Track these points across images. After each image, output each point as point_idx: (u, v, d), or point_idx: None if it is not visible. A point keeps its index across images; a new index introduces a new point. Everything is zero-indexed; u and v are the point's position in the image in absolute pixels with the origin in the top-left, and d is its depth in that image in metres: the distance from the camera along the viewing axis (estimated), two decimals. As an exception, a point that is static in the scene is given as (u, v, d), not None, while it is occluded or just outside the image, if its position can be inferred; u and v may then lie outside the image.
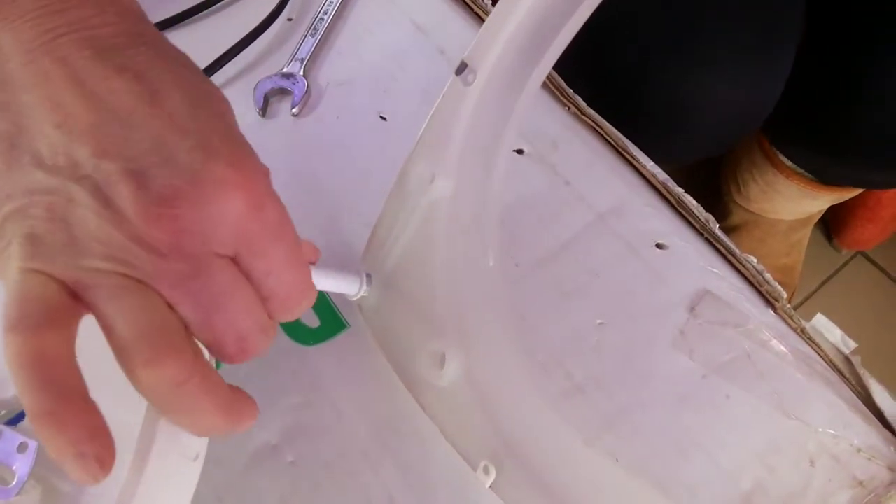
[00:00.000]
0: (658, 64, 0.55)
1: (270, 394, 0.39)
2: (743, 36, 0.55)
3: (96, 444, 0.21)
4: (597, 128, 0.45)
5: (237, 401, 0.25)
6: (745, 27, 0.55)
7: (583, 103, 0.46)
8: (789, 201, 0.86)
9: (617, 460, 0.36)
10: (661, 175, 0.43)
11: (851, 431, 0.36)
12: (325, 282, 0.34)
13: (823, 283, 1.05)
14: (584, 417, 0.37)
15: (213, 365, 0.26)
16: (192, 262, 0.23)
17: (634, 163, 0.44)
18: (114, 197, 0.22)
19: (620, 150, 0.44)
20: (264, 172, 0.25)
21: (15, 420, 0.35)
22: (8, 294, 0.22)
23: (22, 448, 0.32)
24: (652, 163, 0.43)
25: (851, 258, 1.07)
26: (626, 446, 0.36)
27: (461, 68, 0.33)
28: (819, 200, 0.85)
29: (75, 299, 0.22)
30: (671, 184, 0.43)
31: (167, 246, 0.22)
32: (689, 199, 0.42)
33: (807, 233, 0.98)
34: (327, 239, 0.43)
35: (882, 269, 1.06)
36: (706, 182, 0.97)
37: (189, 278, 0.23)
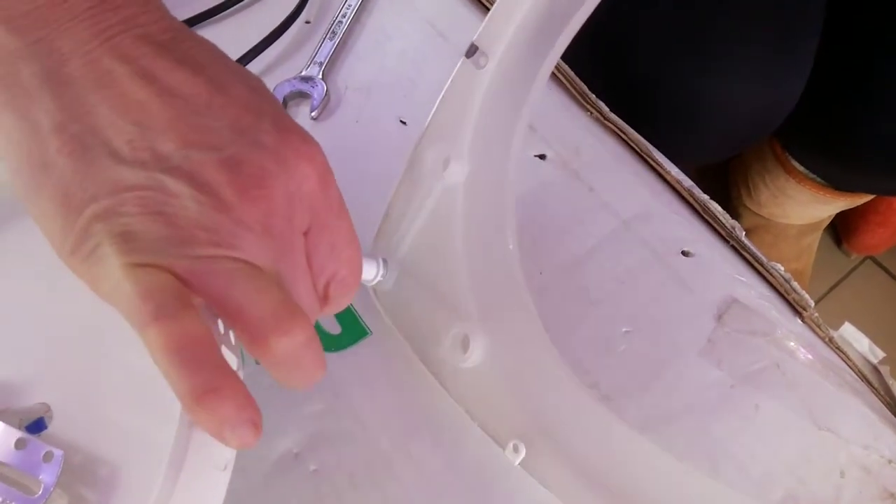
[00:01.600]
0: (675, 63, 0.55)
1: (292, 401, 0.39)
2: (762, 36, 0.55)
3: (252, 410, 0.22)
4: (620, 133, 0.45)
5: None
6: (764, 27, 0.55)
7: (605, 108, 0.46)
8: (800, 206, 0.85)
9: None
10: (686, 181, 0.43)
11: (882, 443, 0.36)
12: None
13: (833, 287, 1.05)
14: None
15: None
16: (282, 240, 0.24)
17: (659, 169, 0.43)
18: (211, 183, 0.22)
19: (644, 155, 0.44)
20: (321, 148, 0.26)
21: (35, 428, 0.34)
22: (125, 291, 0.22)
23: (48, 457, 0.31)
24: (676, 169, 0.43)
25: (861, 263, 1.07)
26: (655, 457, 0.36)
27: (471, 50, 0.33)
28: (831, 206, 0.84)
29: (185, 284, 0.22)
30: (696, 190, 0.42)
31: (262, 225, 0.23)
32: (715, 206, 0.42)
33: (817, 237, 0.98)
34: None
35: (892, 275, 1.05)
36: (716, 186, 0.97)
37: (280, 255, 0.24)
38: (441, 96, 0.34)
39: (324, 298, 0.27)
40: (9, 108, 0.23)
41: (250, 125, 0.24)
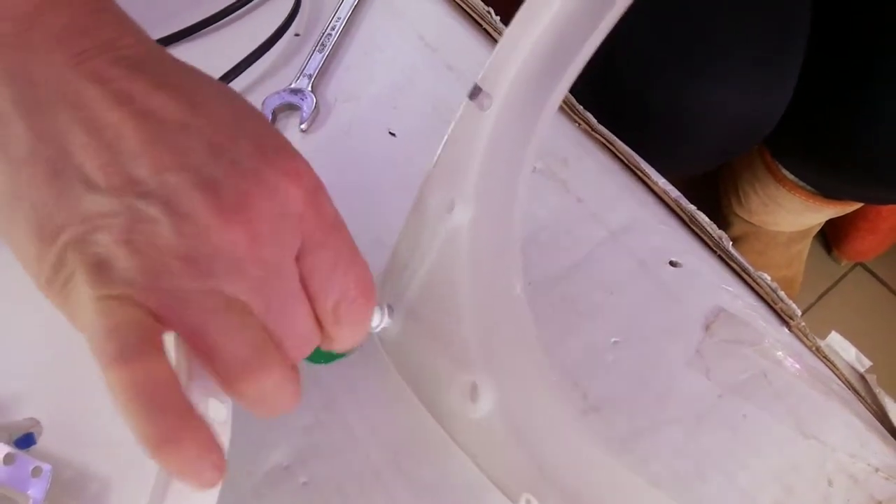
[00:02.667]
0: (663, 74, 0.56)
1: (282, 414, 0.39)
2: (750, 46, 0.55)
3: (214, 454, 0.21)
4: (607, 144, 0.45)
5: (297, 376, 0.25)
6: (751, 37, 0.56)
7: (593, 120, 0.46)
8: (790, 214, 0.86)
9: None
10: (673, 192, 0.43)
11: (869, 451, 0.36)
12: None
13: (823, 294, 1.06)
14: (601, 438, 0.37)
15: None
16: (266, 266, 0.23)
17: (646, 180, 0.44)
18: (187, 209, 0.22)
19: (632, 167, 0.44)
20: (309, 165, 0.25)
21: (24, 443, 0.34)
22: (93, 326, 0.21)
23: (36, 472, 0.32)
24: (664, 180, 0.43)
25: (851, 269, 1.07)
26: (644, 467, 0.36)
27: (475, 92, 0.32)
28: (820, 213, 0.85)
29: (158, 320, 0.22)
30: (683, 201, 0.43)
31: (244, 252, 0.22)
32: (702, 217, 0.42)
33: (807, 244, 0.98)
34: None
35: (881, 281, 1.06)
36: (705, 194, 0.97)
37: (265, 283, 0.23)
38: (445, 138, 0.34)
39: (335, 323, 0.26)
40: None
41: (229, 145, 0.23)
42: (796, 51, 0.58)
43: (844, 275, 1.07)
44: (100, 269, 0.21)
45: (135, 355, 0.20)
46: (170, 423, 0.20)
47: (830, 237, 1.05)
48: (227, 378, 0.22)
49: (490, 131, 0.32)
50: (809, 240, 0.98)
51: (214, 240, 0.22)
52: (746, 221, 0.93)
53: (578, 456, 0.32)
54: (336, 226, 0.26)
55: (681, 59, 0.55)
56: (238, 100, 0.25)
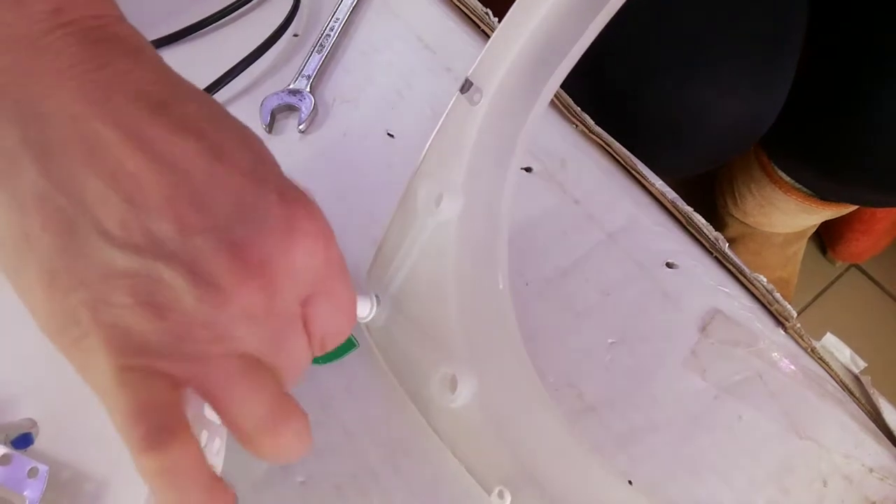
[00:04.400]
0: (657, 77, 0.56)
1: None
2: (744, 49, 0.55)
3: None
4: (605, 146, 0.45)
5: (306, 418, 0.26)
6: (745, 40, 0.56)
7: (591, 121, 0.46)
8: (786, 215, 0.86)
9: (630, 482, 0.36)
10: (670, 194, 0.43)
11: (863, 451, 0.36)
12: None
13: (818, 295, 1.06)
14: (596, 438, 0.37)
15: None
16: (282, 320, 0.23)
17: (643, 181, 0.44)
18: (211, 274, 0.21)
19: (629, 168, 0.44)
20: (321, 211, 0.24)
21: (21, 443, 0.34)
22: (116, 401, 0.20)
23: (33, 473, 0.32)
24: (661, 181, 0.44)
25: (846, 270, 1.08)
26: (639, 468, 0.36)
27: (466, 86, 0.33)
28: (816, 215, 0.85)
29: (179, 387, 0.21)
30: (680, 203, 0.43)
31: (262, 310, 0.22)
32: (699, 219, 0.42)
33: (802, 245, 0.99)
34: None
35: (876, 282, 1.06)
36: (701, 194, 0.98)
37: (277, 332, 0.23)
38: (435, 132, 0.34)
39: (319, 349, 0.26)
40: None
41: (253, 200, 0.22)
42: (791, 54, 0.58)
43: (839, 276, 1.07)
44: (120, 336, 0.20)
45: (167, 441, 0.20)
46: (199, 499, 0.21)
47: (826, 238, 1.06)
48: (250, 437, 0.22)
49: (480, 125, 0.33)
50: (805, 241, 0.98)
51: (237, 304, 0.21)
52: (742, 222, 0.93)
53: (553, 452, 0.33)
54: (342, 272, 0.25)
55: (674, 62, 0.55)
56: (253, 139, 0.24)
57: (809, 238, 1.00)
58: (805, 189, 0.79)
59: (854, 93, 0.61)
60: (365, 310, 0.36)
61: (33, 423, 0.34)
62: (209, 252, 0.21)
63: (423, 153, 0.35)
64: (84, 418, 0.34)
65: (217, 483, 0.22)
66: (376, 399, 0.39)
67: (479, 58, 0.32)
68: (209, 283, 0.21)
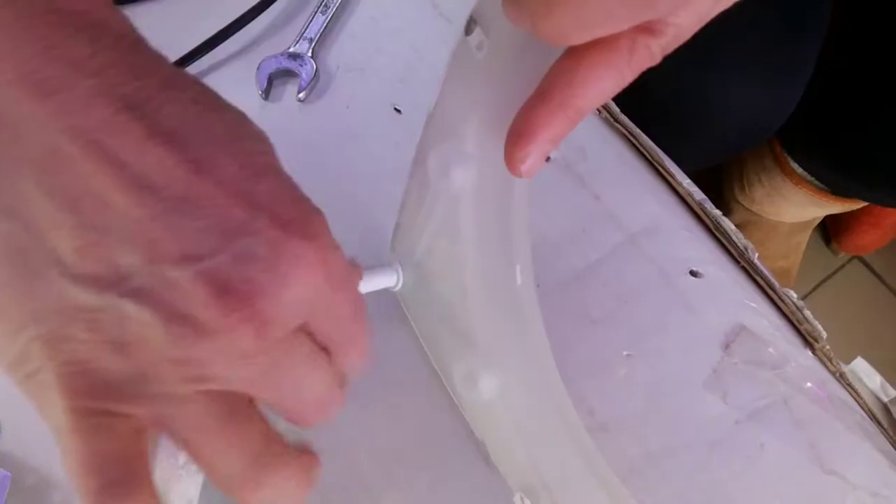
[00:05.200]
0: (673, 66, 0.52)
1: (270, 417, 0.36)
2: (760, 43, 0.53)
3: None
4: (630, 137, 0.42)
5: (306, 458, 0.23)
6: (763, 34, 0.53)
7: (616, 108, 0.43)
8: (794, 206, 0.84)
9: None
10: (698, 195, 0.40)
11: (892, 490, 0.34)
12: (366, 285, 0.33)
13: (818, 285, 1.04)
14: (607, 460, 0.34)
15: None
16: (273, 353, 0.19)
17: (669, 179, 0.41)
18: (186, 309, 0.17)
19: (655, 163, 0.41)
20: (324, 222, 0.20)
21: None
22: (69, 445, 0.18)
23: (-9, 481, 0.29)
24: (688, 180, 0.40)
25: (848, 262, 1.06)
26: (652, 495, 0.34)
27: (470, 27, 0.26)
28: (825, 208, 0.83)
29: (144, 431, 0.19)
30: (709, 205, 0.40)
31: (250, 347, 0.18)
32: (728, 224, 0.39)
33: (806, 235, 0.97)
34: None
35: (877, 275, 1.05)
36: (709, 178, 0.95)
37: (272, 369, 0.20)
38: (440, 87, 0.29)
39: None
40: None
41: (240, 224, 0.18)
42: (809, 49, 0.55)
43: (841, 266, 1.05)
44: (77, 375, 0.18)
45: (121, 499, 0.18)
46: None
47: (831, 229, 1.03)
48: (227, 489, 0.20)
49: (488, 79, 0.27)
50: (810, 231, 0.96)
51: (216, 340, 0.18)
52: (748, 209, 0.90)
53: (571, 468, 0.30)
54: (342, 285, 0.21)
55: (691, 52, 0.52)
56: (246, 139, 0.20)
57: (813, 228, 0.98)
58: (818, 182, 0.76)
59: (876, 91, 0.58)
60: (392, 280, 0.34)
61: (-6, 422, 0.31)
62: (184, 284, 0.18)
63: (430, 112, 0.30)
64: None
65: None
66: (371, 408, 0.37)
67: None
68: (183, 318, 0.18)
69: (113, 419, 0.18)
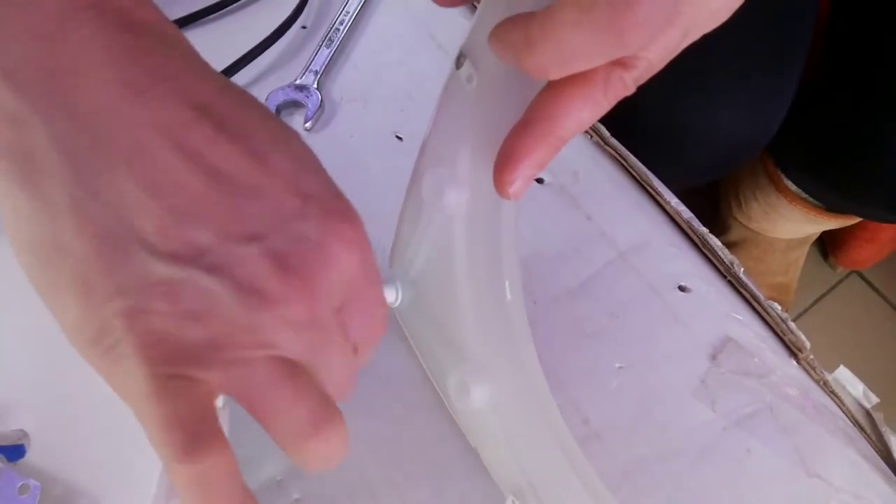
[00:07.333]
0: (657, 89, 0.54)
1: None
2: (743, 63, 0.54)
3: None
4: (620, 159, 0.44)
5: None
6: (748, 52, 0.54)
7: (606, 132, 0.45)
8: (790, 223, 0.85)
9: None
10: (685, 213, 0.42)
11: (873, 492, 0.35)
12: None
13: (817, 300, 1.05)
14: (599, 466, 0.36)
15: None
16: (321, 327, 0.22)
17: (658, 198, 0.43)
18: (254, 281, 0.20)
19: (644, 184, 0.43)
20: (359, 216, 0.24)
21: (13, 453, 0.33)
22: (149, 409, 0.20)
23: (24, 489, 0.31)
24: (676, 199, 0.42)
25: (846, 276, 1.07)
26: (643, 499, 0.36)
27: (460, 61, 0.29)
28: (821, 225, 0.84)
29: (213, 394, 0.21)
30: (696, 223, 0.42)
31: (305, 319, 0.21)
32: (714, 240, 0.41)
33: (804, 251, 0.98)
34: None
35: (876, 290, 1.06)
36: (705, 196, 0.96)
37: (322, 342, 0.22)
38: (433, 116, 0.32)
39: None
40: (17, 180, 0.20)
41: (295, 209, 0.21)
42: (792, 68, 0.57)
43: (839, 282, 1.07)
44: (156, 344, 0.20)
45: (204, 450, 0.20)
46: None
47: (828, 244, 1.05)
48: (295, 442, 0.22)
49: (478, 107, 0.29)
50: (807, 247, 0.98)
51: (279, 310, 0.21)
52: (745, 227, 0.92)
53: (560, 475, 0.32)
54: (375, 277, 0.25)
55: (674, 74, 0.54)
56: (294, 140, 0.23)
57: (811, 243, 0.99)
58: (812, 199, 0.78)
59: (868, 107, 0.59)
60: (391, 296, 0.36)
61: (24, 435, 0.33)
62: (251, 259, 0.20)
63: (424, 139, 0.33)
64: (77, 432, 0.33)
65: (248, 496, 0.22)
66: (375, 414, 0.38)
67: (470, 25, 0.28)
68: (252, 289, 0.20)
69: (190, 383, 0.20)
